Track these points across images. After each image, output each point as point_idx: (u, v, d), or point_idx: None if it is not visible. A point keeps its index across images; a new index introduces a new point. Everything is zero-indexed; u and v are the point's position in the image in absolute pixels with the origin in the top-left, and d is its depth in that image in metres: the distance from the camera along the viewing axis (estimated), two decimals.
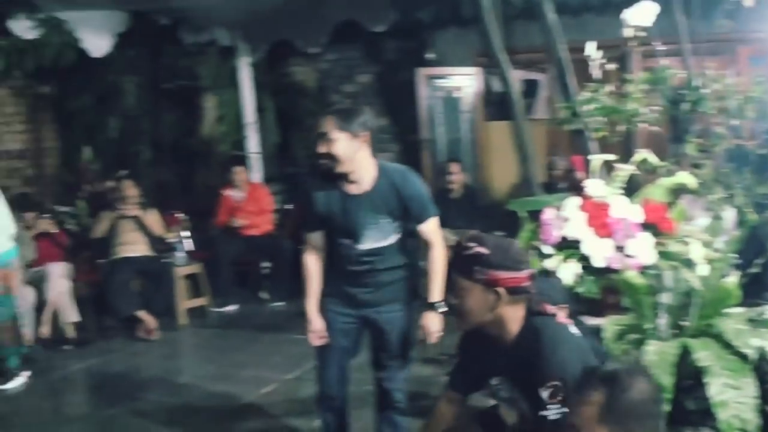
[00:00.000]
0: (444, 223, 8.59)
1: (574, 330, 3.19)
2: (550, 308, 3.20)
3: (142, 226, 8.85)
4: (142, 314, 8.45)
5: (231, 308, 9.33)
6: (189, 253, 9.33)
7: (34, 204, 9.06)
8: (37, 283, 8.24)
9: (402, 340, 4.39)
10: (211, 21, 10.17)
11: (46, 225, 8.76)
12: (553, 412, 2.95)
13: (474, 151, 10.29)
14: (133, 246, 8.77)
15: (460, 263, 3.18)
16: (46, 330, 8.19)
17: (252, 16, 9.61)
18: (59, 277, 8.31)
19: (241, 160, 10.02)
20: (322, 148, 4.17)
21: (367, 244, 4.31)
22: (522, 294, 3.13)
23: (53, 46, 8.87)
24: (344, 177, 4.24)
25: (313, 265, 4.51)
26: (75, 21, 9.12)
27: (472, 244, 3.13)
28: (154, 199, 9.82)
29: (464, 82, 10.30)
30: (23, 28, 8.77)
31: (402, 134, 10.76)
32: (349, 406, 4.83)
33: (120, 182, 9.11)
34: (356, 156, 4.18)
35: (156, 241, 8.96)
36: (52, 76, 10.20)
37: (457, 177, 9.20)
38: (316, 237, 4.47)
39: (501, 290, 3.07)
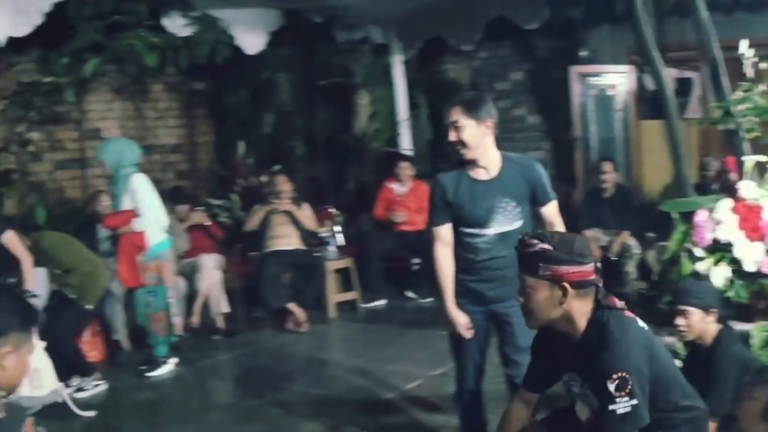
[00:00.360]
0: (596, 223, 8.40)
1: (642, 324, 3.17)
2: (618, 302, 3.16)
3: (295, 221, 8.91)
4: (292, 307, 8.52)
5: (379, 303, 9.30)
6: (340, 247, 9.41)
7: (188, 197, 9.27)
8: (190, 273, 8.42)
9: (527, 333, 4.25)
10: (364, 19, 10.20)
11: (200, 217, 8.94)
12: (621, 406, 2.92)
13: (626, 150, 10.05)
14: (286, 239, 8.84)
15: (525, 261, 3.15)
16: (196, 320, 8.35)
17: (405, 14, 9.59)
18: (211, 269, 8.45)
19: (407, 156, 9.97)
20: (451, 136, 4.36)
21: (494, 229, 4.38)
22: (588, 288, 3.11)
23: (207, 44, 9.00)
24: (473, 163, 4.40)
25: (445, 260, 4.54)
26: (229, 19, 9.26)
27: (535, 241, 3.10)
28: (307, 194, 9.93)
29: (617, 80, 10.10)
30: (177, 25, 8.94)
31: (554, 132, 10.62)
32: (486, 404, 4.78)
33: (274, 177, 9.20)
34: (482, 142, 4.36)
35: (308, 236, 9.02)
36: (207, 72, 10.41)
37: (610, 176, 8.92)
38: (445, 230, 4.52)
39: (567, 285, 3.06)
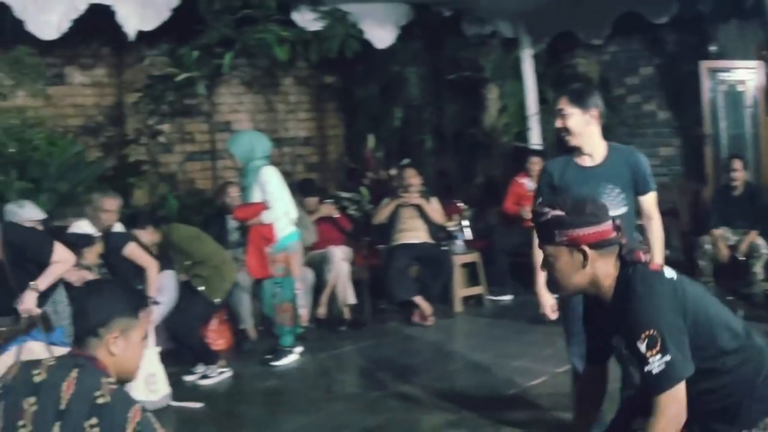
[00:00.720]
0: (724, 222, 8.12)
1: (670, 275, 3.06)
2: (643, 255, 3.08)
3: (423, 214, 8.88)
4: (418, 300, 8.49)
5: (505, 298, 9.18)
6: (467, 241, 9.34)
7: (318, 189, 9.34)
8: (318, 265, 8.45)
9: None
10: (493, 13, 10.10)
11: (329, 210, 8.99)
12: (655, 366, 2.84)
13: (756, 148, 9.68)
14: (414, 233, 8.82)
15: (541, 231, 3.12)
16: (322, 311, 8.41)
17: (535, 8, 9.44)
18: (339, 261, 8.49)
19: (538, 151, 9.84)
20: (558, 123, 4.68)
21: None
22: (609, 247, 3.05)
23: (337, 38, 9.02)
24: (579, 150, 4.70)
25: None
26: (358, 13, 9.28)
27: (546, 209, 3.06)
28: (435, 187, 9.90)
29: (747, 75, 9.76)
30: (307, 19, 8.99)
31: (684, 128, 10.34)
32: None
33: (403, 170, 9.20)
34: (587, 130, 4.64)
35: (436, 229, 8.97)
36: (337, 66, 10.46)
37: (740, 174, 8.61)
38: None
39: (585, 248, 3.01)
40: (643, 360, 2.85)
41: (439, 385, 6.56)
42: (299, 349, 7.49)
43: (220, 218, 8.32)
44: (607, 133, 4.82)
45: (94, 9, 7.44)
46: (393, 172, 9.75)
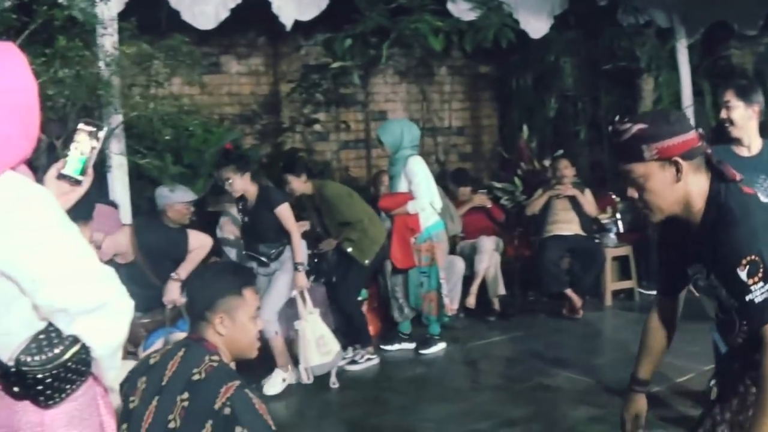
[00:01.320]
0: None
1: (764, 199, 2.80)
2: (734, 173, 2.77)
3: (577, 206, 8.77)
4: (569, 292, 8.39)
5: (654, 292, 8.92)
6: (620, 234, 9.15)
7: (471, 179, 9.31)
8: (469, 255, 8.45)
9: None
10: (648, 2, 9.89)
11: (482, 200, 8.96)
12: (758, 294, 2.55)
13: None
14: (566, 225, 8.73)
15: (626, 150, 2.78)
16: (472, 300, 8.37)
17: None
18: (490, 251, 8.46)
19: None
20: (723, 114, 4.89)
21: None
22: (699, 156, 2.76)
23: (492, 28, 8.96)
24: (738, 141, 4.89)
25: None
26: (513, 3, 9.20)
27: (628, 125, 2.73)
28: (588, 179, 9.76)
29: None
30: (462, 9, 8.96)
31: None
32: None
33: (557, 161, 9.09)
34: (748, 124, 4.85)
35: (589, 221, 8.85)
36: (491, 56, 10.41)
37: None
38: None
39: (678, 159, 2.71)
40: (745, 289, 2.59)
41: (585, 379, 6.49)
42: (443, 343, 7.52)
43: (374, 206, 8.39)
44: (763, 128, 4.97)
45: None
46: (547, 162, 9.64)
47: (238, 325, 3.02)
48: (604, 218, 9.12)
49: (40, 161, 5.89)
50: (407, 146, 7.32)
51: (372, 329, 7.76)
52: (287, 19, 7.87)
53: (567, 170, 8.85)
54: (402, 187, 7.33)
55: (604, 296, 8.81)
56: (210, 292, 3.03)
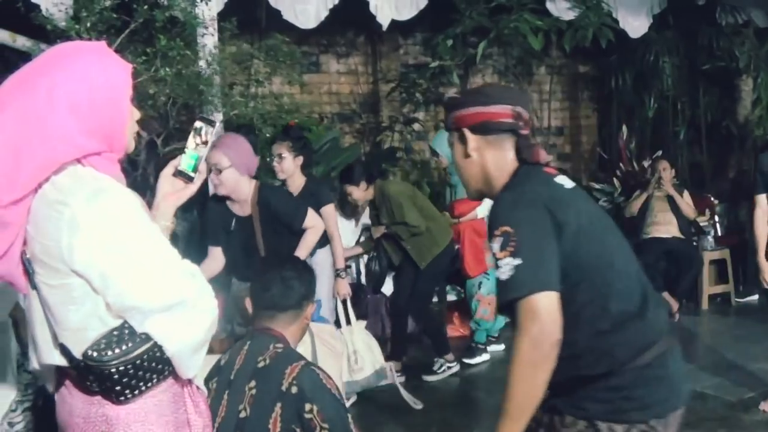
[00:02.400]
0: None
1: (562, 181, 2.57)
2: (544, 155, 2.61)
3: (674, 208, 8.65)
4: (666, 296, 8.27)
5: (754, 298, 8.84)
6: (718, 237, 9.02)
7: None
8: None
9: None
10: (747, 1, 9.81)
11: None
12: (503, 270, 2.30)
13: None
14: (665, 227, 8.62)
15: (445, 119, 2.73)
16: None
17: None
18: None
19: None
20: None
21: None
22: (497, 132, 2.56)
23: (591, 27, 8.92)
24: None
25: (762, 222, 5.63)
26: (613, 2, 9.19)
27: (451, 93, 2.75)
28: (687, 181, 9.61)
29: None
30: (562, 8, 8.96)
31: None
32: None
33: (656, 162, 8.98)
34: None
35: (687, 224, 8.72)
36: (591, 55, 10.34)
37: None
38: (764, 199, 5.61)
39: (465, 130, 2.57)
40: (496, 265, 2.35)
41: None
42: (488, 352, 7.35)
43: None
44: None
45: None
46: (645, 163, 9.53)
47: (304, 321, 3.19)
48: (702, 221, 9.00)
49: (141, 158, 6.09)
50: None
51: (467, 329, 7.77)
52: (384, 19, 8.00)
53: (666, 172, 8.73)
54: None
55: (701, 300, 8.71)
56: (304, 291, 3.16)
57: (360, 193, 6.70)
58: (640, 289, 2.51)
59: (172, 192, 2.39)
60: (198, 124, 2.39)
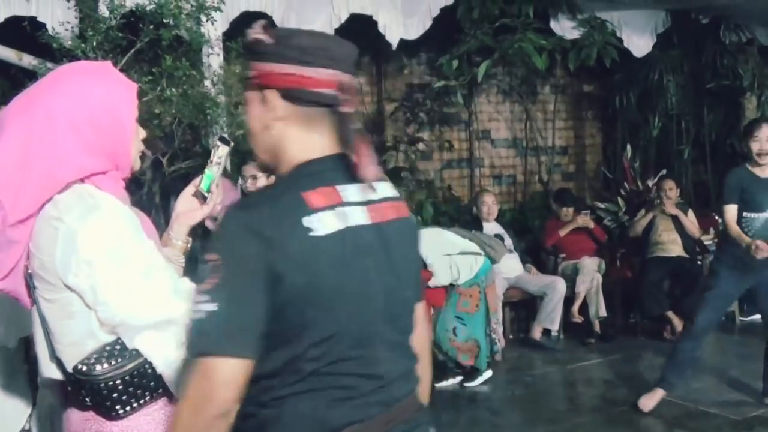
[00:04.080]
0: None
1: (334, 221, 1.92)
2: (373, 172, 1.99)
3: (679, 227, 8.66)
4: (670, 315, 8.29)
5: (757, 317, 8.73)
6: None
7: (574, 199, 9.27)
8: (570, 275, 8.42)
9: None
10: (750, 19, 9.85)
11: (585, 220, 8.91)
12: (198, 307, 1.79)
13: None
14: (669, 246, 8.65)
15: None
16: (577, 317, 8.35)
17: None
18: (592, 272, 8.45)
19: None
20: (759, 147, 5.86)
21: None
22: (311, 104, 1.96)
23: (595, 46, 8.96)
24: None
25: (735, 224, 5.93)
26: (616, 21, 9.25)
27: (255, 27, 2.02)
28: (691, 199, 9.62)
29: None
30: (565, 28, 9.03)
31: None
32: None
33: (662, 182, 8.99)
34: None
35: (691, 243, 8.73)
36: (595, 75, 10.36)
37: None
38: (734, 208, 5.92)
39: (272, 92, 1.96)
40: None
41: (684, 402, 6.42)
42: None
43: (476, 226, 8.42)
44: None
45: (354, 18, 7.78)
46: (650, 182, 9.53)
47: None
48: (707, 240, 8.97)
49: (146, 177, 6.10)
50: None
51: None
52: (393, 38, 8.02)
53: (672, 191, 8.75)
54: None
55: None
56: None
57: None
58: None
59: (186, 211, 2.40)
60: (216, 143, 2.40)
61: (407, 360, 2.10)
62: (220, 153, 2.39)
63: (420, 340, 2.20)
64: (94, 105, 2.18)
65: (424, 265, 6.84)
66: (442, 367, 7.07)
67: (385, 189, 2.07)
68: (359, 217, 1.93)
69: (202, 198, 2.39)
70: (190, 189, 2.41)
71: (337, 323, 1.87)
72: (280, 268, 1.78)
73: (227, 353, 1.76)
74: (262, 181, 5.74)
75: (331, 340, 1.86)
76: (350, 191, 1.95)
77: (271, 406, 1.88)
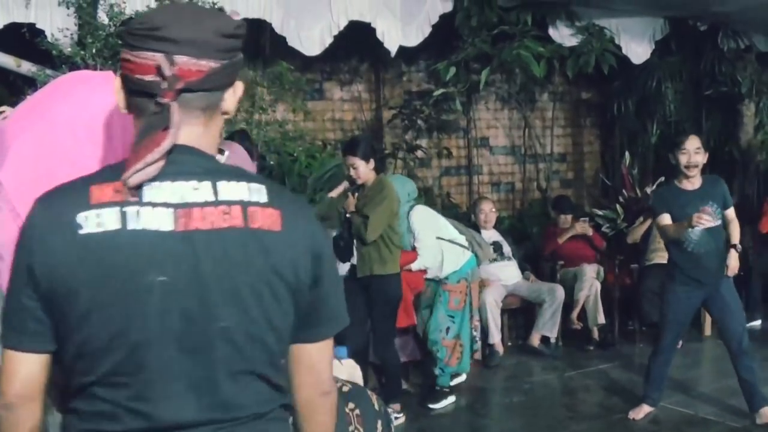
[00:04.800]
0: None
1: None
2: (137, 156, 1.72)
3: None
4: None
5: (756, 323, 8.83)
6: None
7: (572, 206, 9.28)
8: (569, 282, 8.42)
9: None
10: (748, 26, 9.88)
11: (583, 228, 8.90)
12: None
13: None
14: (667, 253, 8.59)
15: None
16: (576, 323, 8.45)
17: None
18: (591, 279, 8.44)
19: None
20: (686, 160, 5.97)
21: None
22: (136, 95, 1.76)
23: (593, 53, 8.97)
24: (688, 179, 6.01)
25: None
26: (615, 28, 9.27)
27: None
28: None
29: None
30: (564, 35, 9.04)
31: None
32: None
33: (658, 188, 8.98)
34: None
35: None
36: (593, 82, 10.38)
37: None
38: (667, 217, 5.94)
39: (116, 81, 1.81)
40: None
41: (684, 410, 6.45)
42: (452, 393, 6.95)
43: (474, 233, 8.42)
44: None
45: (353, 26, 7.79)
46: (648, 190, 9.53)
47: None
48: None
49: None
50: (404, 201, 6.80)
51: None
52: (392, 45, 8.02)
53: None
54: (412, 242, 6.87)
55: (704, 326, 8.67)
56: None
57: (366, 170, 6.11)
58: None
59: None
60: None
61: (217, 409, 1.74)
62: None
63: (303, 393, 1.94)
64: (110, 115, 2.15)
65: (412, 247, 6.77)
66: (433, 390, 6.87)
67: (237, 191, 1.76)
68: (157, 220, 1.68)
69: None
70: None
71: (97, 338, 1.67)
72: (36, 266, 1.66)
73: (6, 345, 1.71)
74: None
75: (93, 357, 1.68)
76: (159, 190, 1.70)
77: (68, 412, 1.79)
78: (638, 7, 9.19)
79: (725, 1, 8.68)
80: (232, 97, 1.83)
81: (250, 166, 4.81)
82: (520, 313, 8.67)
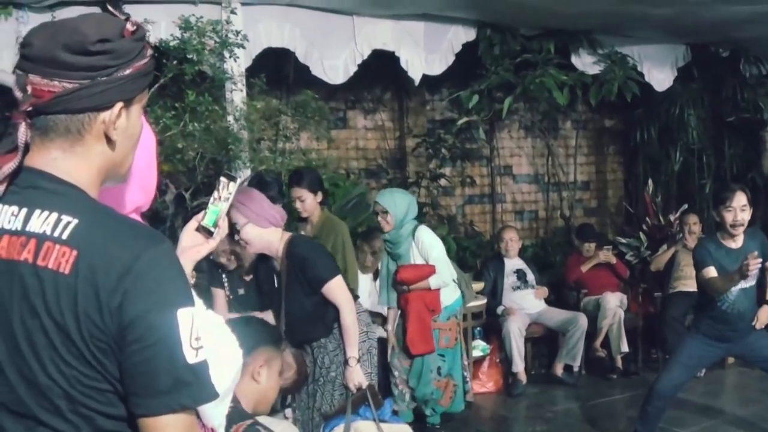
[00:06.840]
0: None
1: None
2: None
3: None
4: None
5: None
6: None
7: (596, 234, 9.25)
8: (592, 311, 8.38)
9: None
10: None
11: (607, 256, 8.86)
12: None
13: None
14: (691, 281, 8.44)
15: None
16: (600, 353, 8.38)
17: None
18: (614, 307, 8.37)
19: None
20: (732, 218, 5.42)
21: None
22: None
23: (616, 81, 8.98)
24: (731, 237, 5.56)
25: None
26: (637, 55, 9.29)
27: None
28: (713, 233, 9.55)
29: None
30: (586, 63, 9.06)
31: None
32: None
33: (685, 216, 8.98)
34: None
35: None
36: (616, 109, 10.39)
37: None
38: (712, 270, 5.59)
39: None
40: None
41: None
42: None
43: (498, 261, 8.42)
44: None
45: (377, 54, 7.85)
46: (672, 217, 9.51)
47: (272, 379, 3.07)
48: None
49: (169, 211, 6.13)
50: (409, 220, 6.62)
51: (493, 385, 7.82)
52: (416, 74, 8.07)
53: (696, 226, 8.75)
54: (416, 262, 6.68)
55: None
56: (253, 336, 2.91)
57: (312, 202, 5.94)
58: None
59: (191, 246, 2.40)
60: (221, 179, 2.42)
61: None
62: (231, 189, 2.40)
63: None
64: (143, 140, 2.19)
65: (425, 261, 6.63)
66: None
67: (44, 222, 1.62)
68: None
69: (207, 233, 2.39)
70: (192, 224, 2.38)
71: None
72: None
73: None
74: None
75: None
76: None
77: None
78: (659, 33, 9.21)
79: (745, 27, 8.69)
80: (113, 121, 1.69)
81: (272, 209, 4.64)
82: (543, 342, 8.65)
